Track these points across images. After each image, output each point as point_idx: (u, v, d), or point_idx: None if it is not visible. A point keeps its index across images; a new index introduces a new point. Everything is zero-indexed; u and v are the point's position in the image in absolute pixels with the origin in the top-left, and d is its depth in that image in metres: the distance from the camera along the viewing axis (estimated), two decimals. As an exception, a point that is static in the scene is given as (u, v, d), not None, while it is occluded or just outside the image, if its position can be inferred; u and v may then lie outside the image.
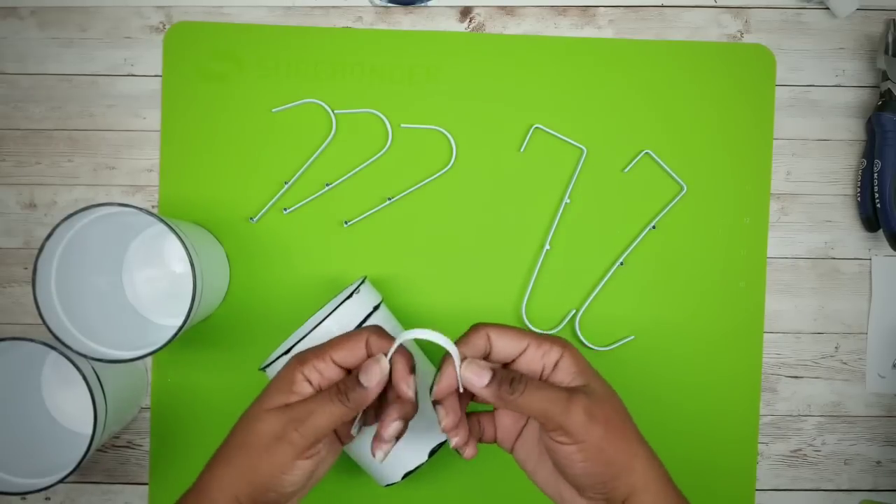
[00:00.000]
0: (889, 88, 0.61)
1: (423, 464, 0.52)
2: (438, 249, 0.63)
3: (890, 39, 0.62)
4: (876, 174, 0.61)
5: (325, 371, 0.40)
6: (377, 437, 0.40)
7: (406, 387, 0.40)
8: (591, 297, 0.62)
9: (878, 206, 0.61)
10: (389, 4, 0.63)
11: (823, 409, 0.64)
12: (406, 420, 0.40)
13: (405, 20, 0.64)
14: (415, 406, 0.41)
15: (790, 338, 0.64)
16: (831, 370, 0.64)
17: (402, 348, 0.41)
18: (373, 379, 0.39)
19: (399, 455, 0.52)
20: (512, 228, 0.63)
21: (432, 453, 0.52)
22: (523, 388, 0.38)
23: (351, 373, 0.41)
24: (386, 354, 0.40)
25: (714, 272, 0.63)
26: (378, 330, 0.42)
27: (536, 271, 0.62)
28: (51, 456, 0.58)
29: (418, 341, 0.63)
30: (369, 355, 0.41)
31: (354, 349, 0.41)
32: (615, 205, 0.63)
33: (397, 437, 0.40)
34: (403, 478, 0.53)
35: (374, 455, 0.40)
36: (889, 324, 0.64)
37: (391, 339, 0.41)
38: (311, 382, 0.40)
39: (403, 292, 0.62)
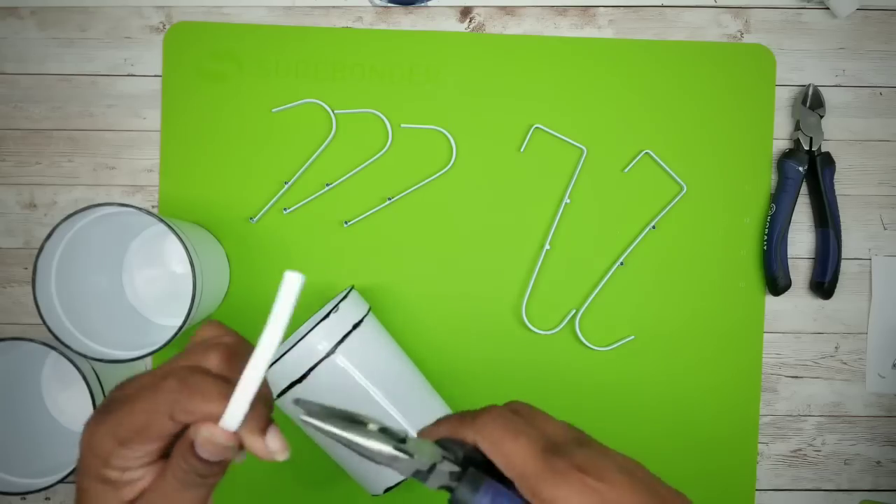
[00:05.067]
0: (798, 138, 0.62)
1: (403, 480, 0.53)
2: (438, 249, 0.63)
3: (809, 92, 0.63)
4: (769, 217, 0.62)
5: (141, 454, 0.28)
6: None
7: (271, 453, 0.29)
8: (591, 297, 0.62)
9: (765, 248, 0.62)
10: (389, 4, 0.63)
11: (823, 409, 0.64)
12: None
13: (405, 20, 0.64)
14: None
15: (790, 338, 0.64)
16: (831, 370, 0.64)
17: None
18: (216, 454, 0.27)
19: (379, 471, 0.53)
20: (512, 228, 0.63)
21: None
22: None
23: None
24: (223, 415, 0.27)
25: (714, 272, 0.63)
26: (178, 388, 0.27)
27: (536, 271, 0.62)
28: (51, 456, 0.58)
29: (415, 333, 0.63)
30: (179, 423, 0.28)
31: (161, 429, 0.28)
32: (615, 205, 0.63)
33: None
34: (385, 492, 0.53)
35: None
36: (889, 324, 0.64)
37: (198, 390, 0.27)
38: (132, 469, 0.28)
39: (403, 292, 0.62)
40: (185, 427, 0.28)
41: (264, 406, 0.28)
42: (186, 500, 0.28)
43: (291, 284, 0.26)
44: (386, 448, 0.28)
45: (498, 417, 0.31)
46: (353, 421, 0.29)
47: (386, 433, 0.29)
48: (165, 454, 0.29)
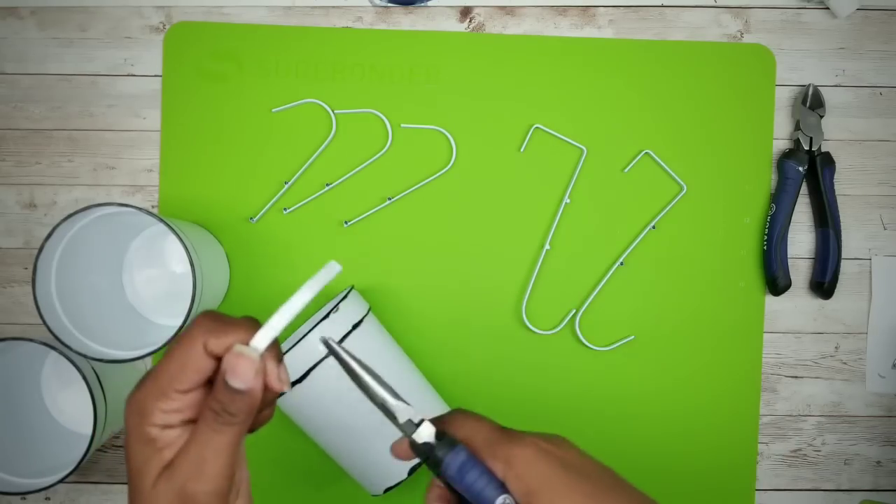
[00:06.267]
0: (798, 138, 0.62)
1: (404, 480, 0.53)
2: (438, 249, 0.63)
3: (809, 92, 0.63)
4: (769, 217, 0.62)
5: (179, 406, 0.31)
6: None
7: (280, 383, 0.32)
8: (591, 297, 0.62)
9: (765, 248, 0.62)
10: (389, 4, 0.63)
11: (823, 409, 0.64)
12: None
13: (405, 20, 0.64)
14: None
15: (790, 338, 0.64)
16: (831, 370, 0.64)
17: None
18: (247, 377, 0.30)
19: (380, 471, 0.53)
20: (512, 228, 0.63)
21: (412, 471, 0.52)
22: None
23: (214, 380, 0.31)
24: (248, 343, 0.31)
25: (714, 272, 0.63)
26: (211, 322, 0.31)
27: (536, 271, 0.62)
28: (51, 456, 0.58)
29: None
30: (215, 357, 0.31)
31: (197, 364, 0.31)
32: (615, 205, 0.63)
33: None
34: (386, 492, 0.53)
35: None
36: (889, 324, 0.64)
37: (229, 323, 0.32)
38: (172, 426, 0.31)
39: (403, 292, 0.62)
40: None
41: (278, 347, 0.33)
42: (218, 443, 0.31)
43: (331, 270, 0.33)
44: (390, 399, 0.33)
45: (538, 461, 0.33)
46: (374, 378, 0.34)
47: (397, 399, 0.33)
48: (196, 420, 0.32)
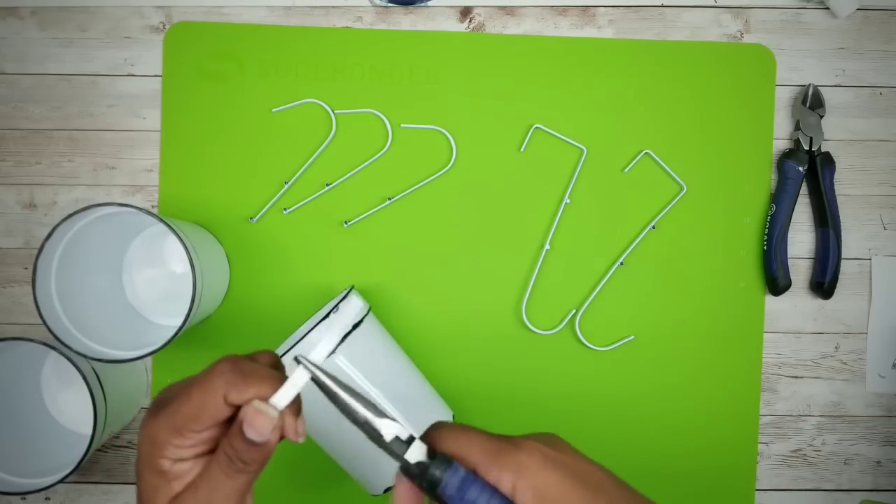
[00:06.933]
0: (798, 138, 0.63)
1: None
2: (438, 249, 0.63)
3: (809, 92, 0.63)
4: (769, 217, 0.62)
5: (193, 442, 0.31)
6: None
7: (297, 435, 0.32)
8: (591, 297, 0.62)
9: (765, 248, 0.62)
10: (389, 4, 0.63)
11: (823, 409, 0.64)
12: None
13: (405, 20, 0.64)
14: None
15: (790, 338, 0.64)
16: (831, 370, 0.64)
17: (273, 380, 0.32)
18: (265, 432, 0.30)
19: (379, 471, 0.53)
20: (512, 228, 0.63)
21: None
22: None
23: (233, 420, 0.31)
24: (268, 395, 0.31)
25: (714, 272, 0.63)
26: (232, 373, 0.31)
27: (536, 271, 0.62)
28: (51, 456, 0.58)
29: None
30: (231, 405, 0.31)
31: (214, 411, 0.31)
32: (615, 205, 0.63)
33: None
34: (386, 492, 0.53)
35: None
36: (889, 324, 0.64)
37: (250, 374, 0.31)
38: (184, 459, 0.32)
39: (403, 292, 0.62)
40: (232, 418, 0.31)
41: (299, 400, 0.32)
42: (229, 488, 0.31)
43: (354, 305, 0.30)
44: (373, 417, 0.31)
45: (544, 465, 0.31)
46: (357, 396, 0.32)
47: (383, 418, 0.31)
48: (212, 451, 0.32)
